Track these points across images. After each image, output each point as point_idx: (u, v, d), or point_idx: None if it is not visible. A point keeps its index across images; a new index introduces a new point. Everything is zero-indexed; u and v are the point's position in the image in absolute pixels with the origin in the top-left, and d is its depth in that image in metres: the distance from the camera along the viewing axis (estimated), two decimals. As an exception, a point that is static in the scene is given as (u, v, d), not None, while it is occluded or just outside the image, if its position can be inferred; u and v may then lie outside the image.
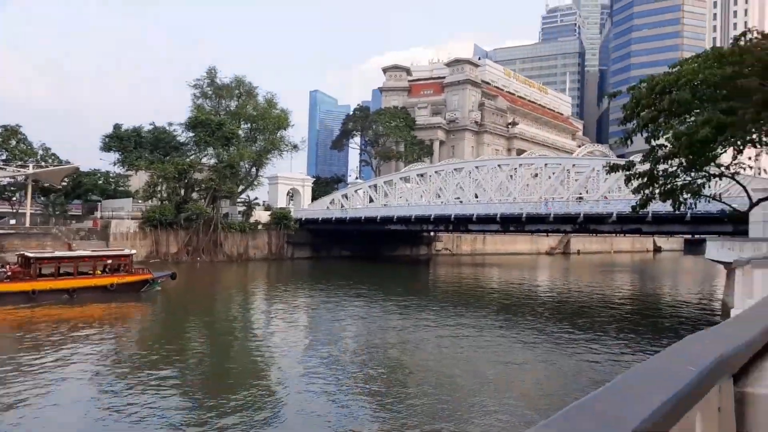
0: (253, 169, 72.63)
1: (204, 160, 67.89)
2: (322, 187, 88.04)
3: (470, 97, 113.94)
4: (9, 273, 29.74)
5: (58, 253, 33.07)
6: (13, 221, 58.30)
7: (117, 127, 68.85)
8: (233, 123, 69.63)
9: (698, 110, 24.91)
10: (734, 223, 33.50)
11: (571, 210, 46.31)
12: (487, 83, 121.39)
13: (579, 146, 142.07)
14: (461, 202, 57.55)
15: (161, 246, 58.98)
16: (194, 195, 64.22)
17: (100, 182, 68.24)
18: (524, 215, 48.92)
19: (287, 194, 76.45)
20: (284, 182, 75.62)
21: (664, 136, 25.47)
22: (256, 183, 74.53)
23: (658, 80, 25.81)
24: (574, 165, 54.74)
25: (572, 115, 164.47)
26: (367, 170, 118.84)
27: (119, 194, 69.83)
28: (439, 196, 61.26)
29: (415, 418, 12.95)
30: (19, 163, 63.04)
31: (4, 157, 63.56)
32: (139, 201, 64.48)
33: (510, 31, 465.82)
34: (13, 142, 64.11)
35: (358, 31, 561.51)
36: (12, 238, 53.52)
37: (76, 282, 30.65)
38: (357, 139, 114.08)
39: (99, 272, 32.27)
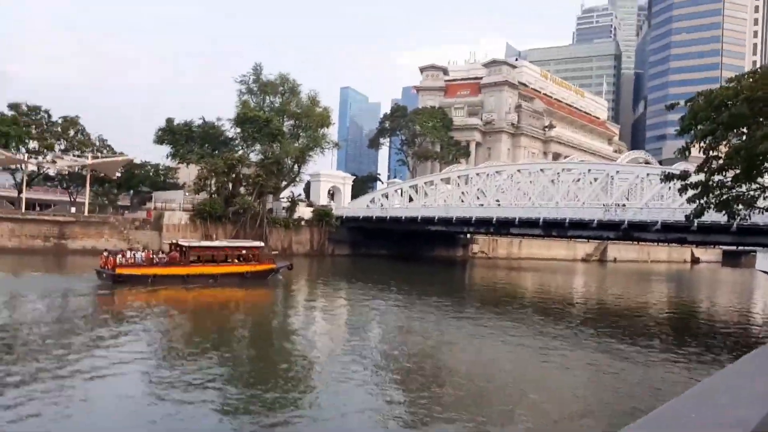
0: (296, 166, 74.66)
1: (251, 156, 70.12)
2: (359, 184, 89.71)
3: (507, 99, 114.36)
4: (167, 259, 34.42)
5: (204, 244, 38.82)
6: (73, 209, 61.20)
7: (169, 121, 71.34)
8: (278, 120, 71.70)
9: (755, 125, 25.74)
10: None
11: (614, 217, 46.99)
12: (524, 85, 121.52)
13: (615, 151, 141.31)
14: (499, 205, 58.50)
15: (211, 238, 61.17)
16: (242, 189, 66.34)
17: (151, 174, 71.08)
18: (567, 221, 49.74)
19: (328, 192, 78.27)
20: (326, 180, 77.52)
21: (721, 149, 26.32)
22: (297, 180, 76.65)
23: (716, 94, 26.68)
24: (618, 172, 55.21)
25: (608, 120, 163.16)
26: (402, 169, 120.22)
27: (168, 186, 72.60)
28: (479, 199, 62.24)
29: (456, 416, 12.98)
30: (77, 153, 66.12)
31: (63, 147, 66.67)
32: (187, 194, 66.93)
33: (542, 31, 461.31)
34: (72, 132, 67.16)
35: (388, 28, 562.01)
36: (73, 226, 56.37)
37: (219, 269, 35.41)
38: (393, 138, 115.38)
39: (235, 261, 36.74)
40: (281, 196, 73.47)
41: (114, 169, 65.00)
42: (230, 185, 66.16)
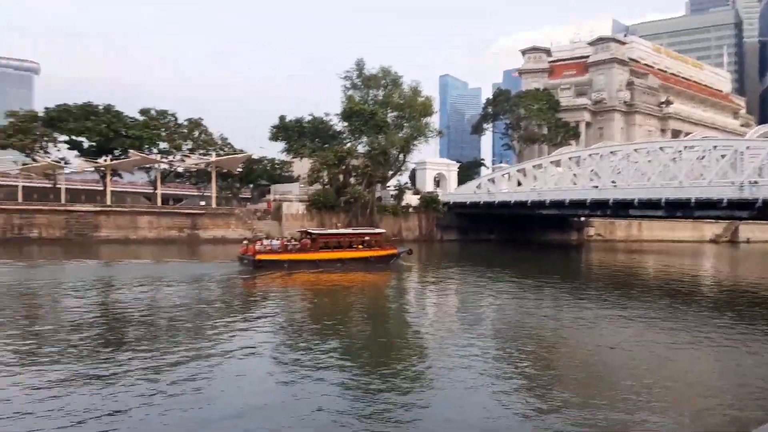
0: (401, 156, 76.02)
1: (358, 148, 72.38)
2: (463, 171, 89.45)
3: (617, 77, 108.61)
4: (299, 246, 37.51)
5: (332, 231, 41.47)
6: (203, 203, 66.63)
7: (282, 118, 75.35)
8: (382, 112, 73.27)
9: None
10: None
11: (747, 195, 43.60)
12: (635, 61, 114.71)
13: (743, 125, 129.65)
14: (615, 186, 56.05)
15: (326, 227, 64.05)
16: (351, 180, 68.71)
17: (268, 168, 75.61)
18: (693, 200, 46.82)
19: (434, 179, 78.97)
20: (432, 167, 78.26)
21: None
22: (403, 168, 78.03)
23: None
24: (748, 147, 50.95)
25: (732, 92, 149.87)
26: (508, 154, 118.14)
27: (284, 179, 76.82)
28: (592, 180, 60.00)
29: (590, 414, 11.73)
30: (202, 151, 71.70)
31: (189, 146, 72.61)
32: (302, 185, 70.44)
33: (651, 3, 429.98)
34: (196, 133, 72.97)
35: (486, 14, 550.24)
36: (203, 217, 61.42)
37: (346, 254, 37.86)
38: (497, 123, 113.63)
39: (360, 247, 39.03)
40: (388, 184, 75.22)
41: (235, 165, 69.79)
42: (341, 176, 68.79)
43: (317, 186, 67.41)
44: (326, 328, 19.72)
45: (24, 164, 65.64)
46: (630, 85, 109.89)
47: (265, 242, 37.41)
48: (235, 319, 21.09)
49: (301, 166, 73.28)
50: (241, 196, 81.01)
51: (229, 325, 19.97)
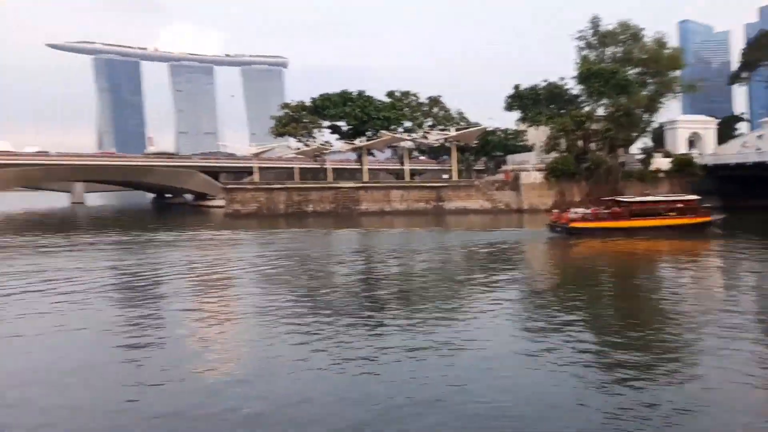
0: (645, 115, 70.69)
1: (598, 111, 69.25)
2: (719, 128, 79.33)
3: None
4: (610, 213, 38.61)
5: (644, 199, 40.65)
6: (445, 176, 71.12)
7: (516, 87, 75.57)
8: (623, 70, 68.79)
9: None
10: None
11: None
12: None
13: None
14: None
15: (566, 196, 63.39)
16: (592, 145, 66.33)
17: (502, 138, 77.05)
18: None
19: (686, 139, 71.86)
20: (684, 126, 71.29)
21: None
22: (648, 129, 72.53)
23: None
24: None
25: None
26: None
27: (517, 149, 77.44)
28: None
29: None
30: (441, 127, 75.91)
31: (430, 123, 77.52)
32: (539, 154, 70.16)
33: None
34: (436, 110, 77.53)
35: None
36: (446, 190, 65.69)
37: (659, 221, 38.11)
38: (759, 71, 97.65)
39: (673, 214, 38.74)
40: (632, 148, 70.79)
41: (472, 138, 72.56)
42: (580, 142, 66.74)
43: (555, 154, 66.53)
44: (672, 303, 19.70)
45: (297, 149, 77.32)
46: None
47: (578, 210, 39.05)
48: (569, 287, 22.66)
49: (536, 135, 72.80)
50: (474, 168, 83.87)
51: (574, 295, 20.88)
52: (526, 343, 14.57)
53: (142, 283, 23.88)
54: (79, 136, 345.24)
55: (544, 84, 75.87)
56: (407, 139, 74.29)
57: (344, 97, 73.74)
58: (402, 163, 75.21)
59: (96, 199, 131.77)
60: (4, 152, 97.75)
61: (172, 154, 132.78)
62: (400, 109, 76.10)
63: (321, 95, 74.72)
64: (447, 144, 72.66)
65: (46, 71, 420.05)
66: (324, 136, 77.25)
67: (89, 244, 39.58)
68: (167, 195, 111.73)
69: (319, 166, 78.31)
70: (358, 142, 72.63)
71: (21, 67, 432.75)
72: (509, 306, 18.89)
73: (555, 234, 37.55)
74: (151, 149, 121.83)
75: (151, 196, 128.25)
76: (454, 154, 70.06)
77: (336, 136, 77.69)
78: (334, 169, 77.81)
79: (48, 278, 24.54)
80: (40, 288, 22.52)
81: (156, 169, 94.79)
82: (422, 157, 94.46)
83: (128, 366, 13.36)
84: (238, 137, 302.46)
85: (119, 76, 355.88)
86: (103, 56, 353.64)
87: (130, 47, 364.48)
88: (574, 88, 73.62)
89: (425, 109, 77.33)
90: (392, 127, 74.21)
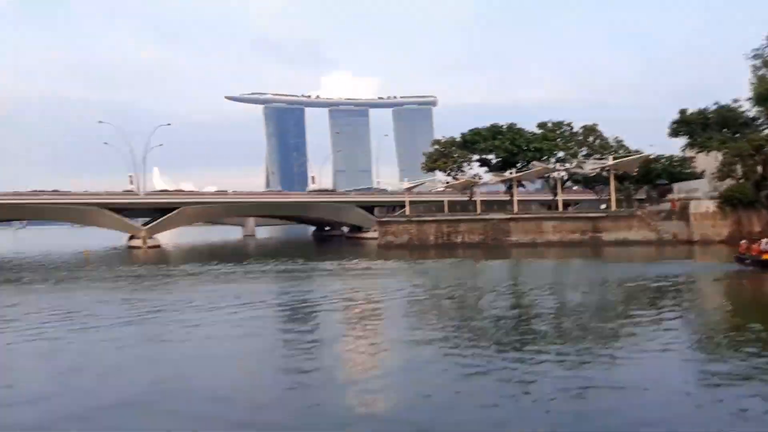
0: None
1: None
2: None
3: None
4: None
5: None
6: (603, 206, 68.12)
7: (682, 111, 70.77)
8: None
9: None
10: None
11: None
12: None
13: None
14: None
15: (743, 225, 57.45)
16: (774, 171, 59.53)
17: (666, 166, 72.11)
18: None
19: None
20: None
21: None
22: None
23: None
24: None
25: None
26: None
27: (683, 177, 71.87)
28: None
29: None
30: (597, 156, 73.10)
31: (584, 152, 75.02)
32: (711, 182, 64.56)
33: None
34: (591, 139, 74.97)
35: None
36: (604, 220, 62.94)
37: None
38: None
39: None
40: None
41: (633, 166, 68.78)
42: (759, 168, 60.42)
43: (729, 181, 60.79)
44: None
45: (447, 183, 79.13)
46: None
47: (764, 242, 35.36)
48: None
49: (707, 161, 67.31)
50: (635, 197, 79.06)
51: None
52: (702, 391, 13.09)
53: (313, 309, 26.00)
54: (248, 177, 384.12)
55: (714, 107, 70.12)
56: (560, 169, 72.56)
57: (494, 131, 74.32)
58: (555, 194, 73.38)
59: (264, 232, 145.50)
60: (190, 192, 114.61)
61: (332, 190, 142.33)
62: (552, 139, 74.82)
63: (471, 130, 76.04)
64: (604, 173, 69.72)
65: (225, 121, 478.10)
66: (473, 169, 78.31)
67: (261, 272, 44.04)
68: (326, 227, 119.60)
69: (468, 199, 79.20)
70: (508, 173, 72.50)
71: (201, 118, 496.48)
72: (690, 346, 17.66)
73: (743, 267, 34.19)
74: (312, 187, 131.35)
75: (311, 228, 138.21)
76: (612, 183, 66.84)
77: (485, 168, 78.33)
78: (483, 201, 77.93)
79: (230, 303, 27.27)
80: (225, 309, 25.57)
81: (318, 205, 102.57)
82: (575, 187, 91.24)
83: (291, 392, 13.99)
84: (389, 173, 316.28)
85: (286, 121, 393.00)
86: (272, 105, 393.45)
87: (295, 96, 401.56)
88: (750, 110, 67.35)
89: (579, 138, 75.10)
90: (544, 158, 73.08)
